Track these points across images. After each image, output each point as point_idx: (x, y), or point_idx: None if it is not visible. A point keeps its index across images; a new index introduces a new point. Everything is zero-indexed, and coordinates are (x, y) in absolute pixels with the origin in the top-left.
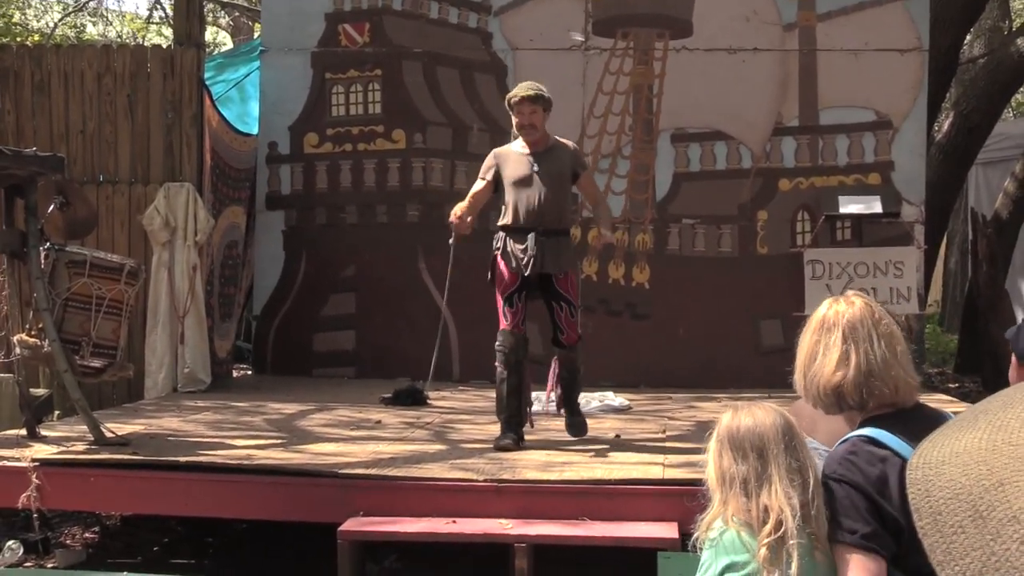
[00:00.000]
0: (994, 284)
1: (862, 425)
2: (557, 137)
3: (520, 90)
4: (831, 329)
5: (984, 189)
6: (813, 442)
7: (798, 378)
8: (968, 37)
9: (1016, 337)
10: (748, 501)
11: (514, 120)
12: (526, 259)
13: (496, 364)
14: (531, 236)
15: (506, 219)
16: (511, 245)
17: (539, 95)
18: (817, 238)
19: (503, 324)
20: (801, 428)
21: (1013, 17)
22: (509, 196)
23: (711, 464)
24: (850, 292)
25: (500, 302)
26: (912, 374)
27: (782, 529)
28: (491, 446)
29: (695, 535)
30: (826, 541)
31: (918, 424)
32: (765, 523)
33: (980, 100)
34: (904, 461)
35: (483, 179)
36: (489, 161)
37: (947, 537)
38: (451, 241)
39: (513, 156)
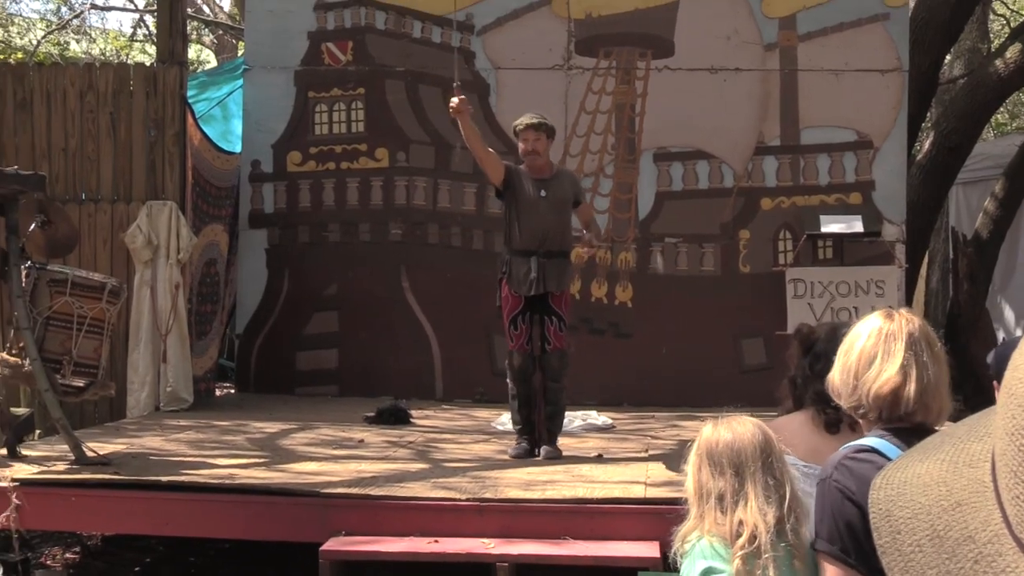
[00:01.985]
0: (975, 303)
1: (871, 434)
2: (559, 164)
3: (525, 118)
4: (894, 337)
5: (964, 208)
6: (792, 458)
7: (842, 380)
8: (948, 58)
9: (994, 361)
10: (723, 516)
11: (520, 146)
12: (528, 281)
13: (508, 381)
14: (533, 258)
15: (512, 242)
16: (515, 268)
17: (542, 123)
18: (799, 257)
19: (510, 345)
20: (781, 443)
21: (992, 38)
22: (515, 219)
23: (690, 477)
24: (903, 309)
25: (506, 325)
26: (951, 401)
27: (756, 543)
28: (473, 464)
29: (673, 548)
30: (805, 549)
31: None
32: (739, 536)
33: (960, 120)
34: None
35: (503, 164)
36: (507, 169)
37: (905, 555)
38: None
39: (524, 179)
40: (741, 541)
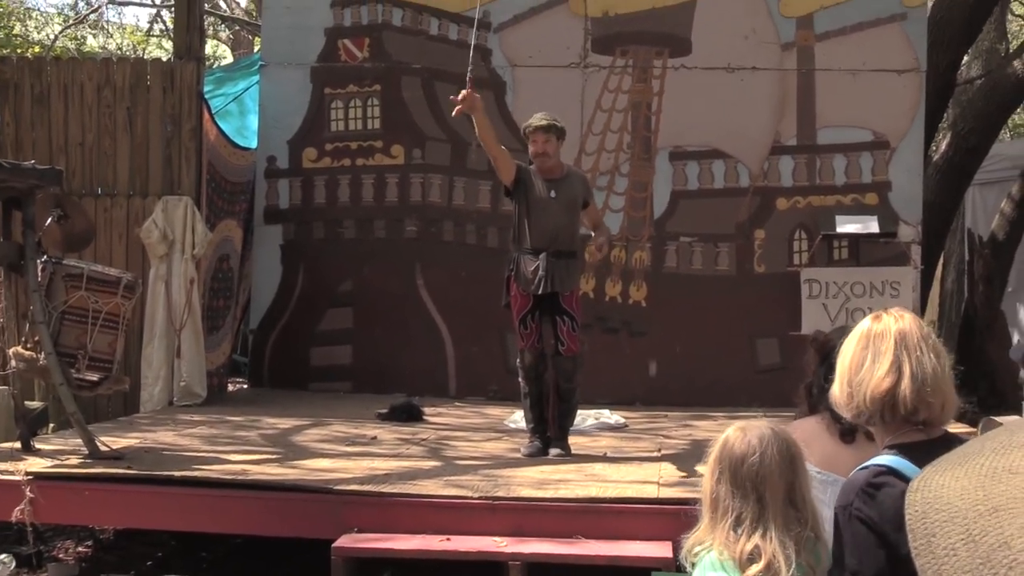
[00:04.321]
0: (990, 304)
1: (887, 451)
2: (569, 165)
3: (534, 120)
4: (881, 338)
5: (981, 210)
6: (808, 466)
7: (839, 388)
8: (966, 58)
9: (1021, 353)
10: (735, 537)
11: (530, 148)
12: (536, 279)
13: (519, 380)
14: (542, 256)
15: (521, 241)
16: (523, 266)
17: (552, 124)
18: (814, 257)
19: (520, 344)
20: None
21: (1010, 39)
22: (525, 218)
23: (707, 482)
24: (894, 308)
25: (516, 324)
26: (955, 395)
27: (771, 573)
28: (486, 463)
29: (682, 552)
30: (822, 569)
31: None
32: (753, 561)
33: (977, 121)
34: None
35: (515, 163)
36: (519, 168)
37: (939, 559)
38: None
39: (535, 179)
40: (756, 569)
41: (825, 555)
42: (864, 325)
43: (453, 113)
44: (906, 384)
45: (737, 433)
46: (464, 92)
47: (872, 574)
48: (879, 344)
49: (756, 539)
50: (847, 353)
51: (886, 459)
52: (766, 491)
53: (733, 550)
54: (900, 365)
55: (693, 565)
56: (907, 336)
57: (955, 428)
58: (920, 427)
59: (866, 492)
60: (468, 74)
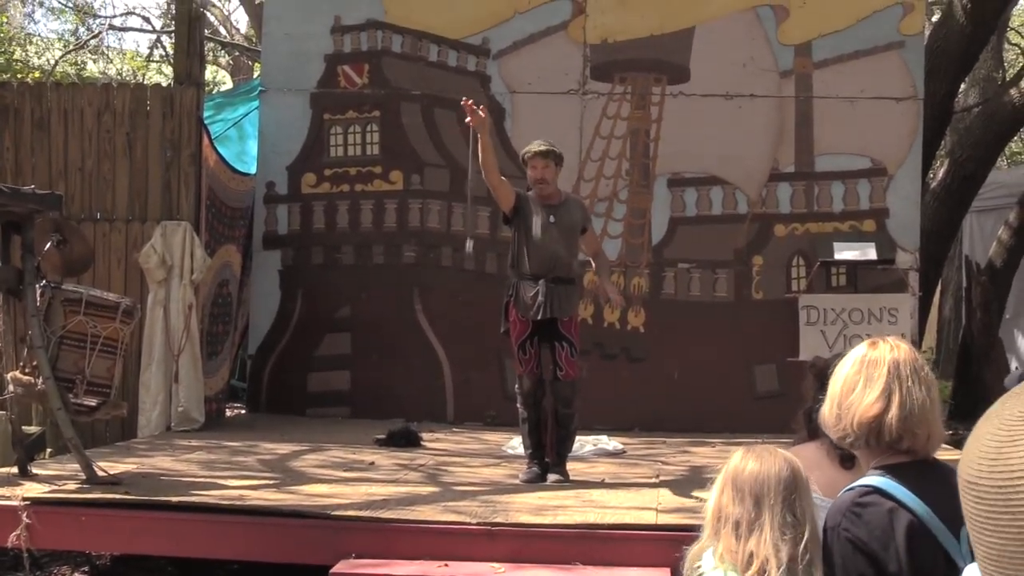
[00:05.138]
0: (988, 332)
1: (874, 472)
2: (568, 191)
3: (533, 146)
4: (875, 364)
5: (978, 237)
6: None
7: (829, 409)
8: (963, 86)
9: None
10: (736, 543)
11: (528, 174)
12: (536, 305)
13: (518, 406)
14: (541, 283)
15: (520, 267)
16: (522, 292)
17: (551, 151)
18: (812, 284)
19: (519, 370)
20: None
21: (1007, 67)
22: (524, 244)
23: (712, 497)
24: (891, 336)
25: (515, 350)
26: (942, 427)
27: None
28: (484, 488)
29: (683, 567)
30: None
31: (931, 477)
32: (749, 566)
33: (975, 148)
34: (912, 514)
35: (514, 191)
36: (517, 196)
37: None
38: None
39: (534, 205)
40: (750, 573)
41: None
42: (860, 351)
43: (467, 120)
44: (894, 413)
45: (742, 451)
46: (481, 107)
47: None
48: (872, 371)
49: (752, 542)
50: (840, 376)
51: (873, 480)
52: (762, 494)
53: (735, 558)
54: (890, 393)
55: None
56: (901, 366)
57: (943, 455)
58: (905, 453)
59: (853, 512)
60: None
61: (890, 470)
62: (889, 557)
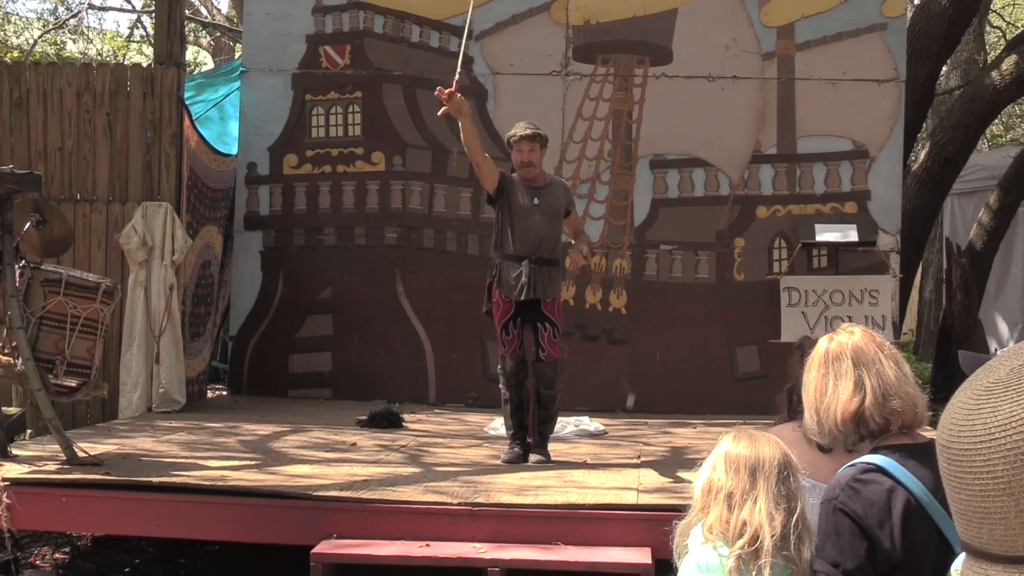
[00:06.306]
0: (968, 314)
1: (877, 451)
2: (551, 174)
3: (519, 129)
4: (839, 359)
5: (959, 219)
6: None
7: (809, 416)
8: (944, 68)
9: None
10: (728, 513)
11: (514, 157)
12: (519, 286)
13: (500, 386)
14: (525, 263)
15: (504, 247)
16: (506, 272)
17: (536, 133)
18: (794, 266)
19: (501, 350)
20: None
21: (988, 50)
22: (508, 225)
23: (701, 476)
24: (844, 324)
25: (498, 330)
26: (923, 395)
27: (757, 544)
28: (466, 469)
29: (674, 539)
30: (805, 566)
31: (932, 461)
32: (740, 536)
33: (956, 131)
34: (911, 495)
35: (498, 171)
36: (502, 176)
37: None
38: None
39: (518, 187)
40: (742, 541)
41: (808, 555)
42: (820, 348)
43: (438, 113)
44: (869, 399)
45: (733, 433)
46: (449, 90)
47: (853, 566)
48: (838, 366)
49: (746, 512)
50: (808, 381)
51: (875, 458)
52: (758, 466)
53: (726, 528)
54: (863, 381)
55: (680, 557)
56: (863, 349)
57: (927, 434)
58: (904, 431)
59: (852, 487)
60: (455, 76)
61: (891, 450)
62: (884, 534)
